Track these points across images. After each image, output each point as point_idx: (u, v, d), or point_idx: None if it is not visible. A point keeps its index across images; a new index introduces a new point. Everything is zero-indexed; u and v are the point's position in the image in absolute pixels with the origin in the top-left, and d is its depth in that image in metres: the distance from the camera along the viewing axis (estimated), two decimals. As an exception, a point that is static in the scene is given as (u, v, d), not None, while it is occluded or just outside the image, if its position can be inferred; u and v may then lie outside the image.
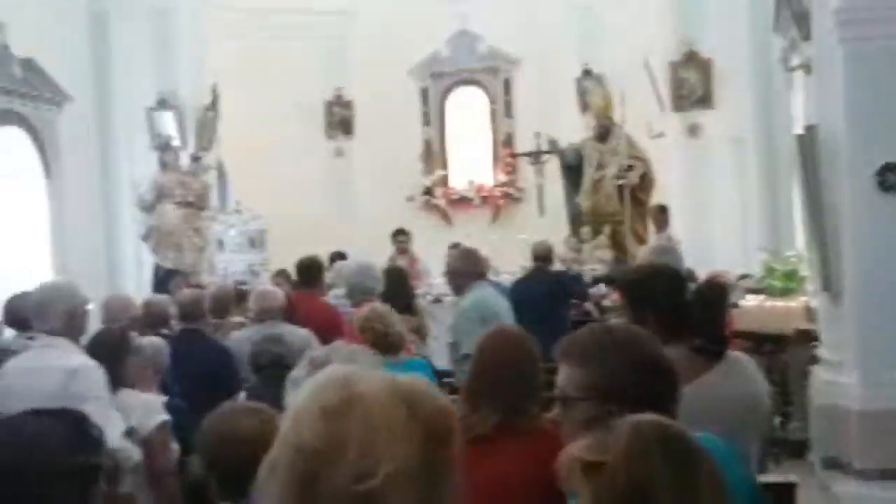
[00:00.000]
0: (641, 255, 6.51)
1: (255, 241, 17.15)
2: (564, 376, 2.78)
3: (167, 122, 15.78)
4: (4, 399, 4.79)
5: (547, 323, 8.92)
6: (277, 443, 1.62)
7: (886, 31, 7.27)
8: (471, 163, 19.25)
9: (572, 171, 13.80)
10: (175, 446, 5.37)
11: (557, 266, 12.24)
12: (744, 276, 11.31)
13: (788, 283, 10.83)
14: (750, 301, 10.12)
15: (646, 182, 12.88)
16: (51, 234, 13.80)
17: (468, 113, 19.38)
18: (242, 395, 5.61)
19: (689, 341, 3.69)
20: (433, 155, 19.31)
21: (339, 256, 12.10)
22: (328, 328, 7.00)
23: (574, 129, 15.69)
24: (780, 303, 10.30)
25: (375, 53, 18.10)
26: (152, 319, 7.61)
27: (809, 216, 7.96)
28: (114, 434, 4.81)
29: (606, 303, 11.69)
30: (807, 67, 8.97)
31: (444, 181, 19.20)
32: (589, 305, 11.61)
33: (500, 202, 18.80)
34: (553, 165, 15.03)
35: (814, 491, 7.16)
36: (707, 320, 3.76)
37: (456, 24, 18.64)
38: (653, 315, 3.72)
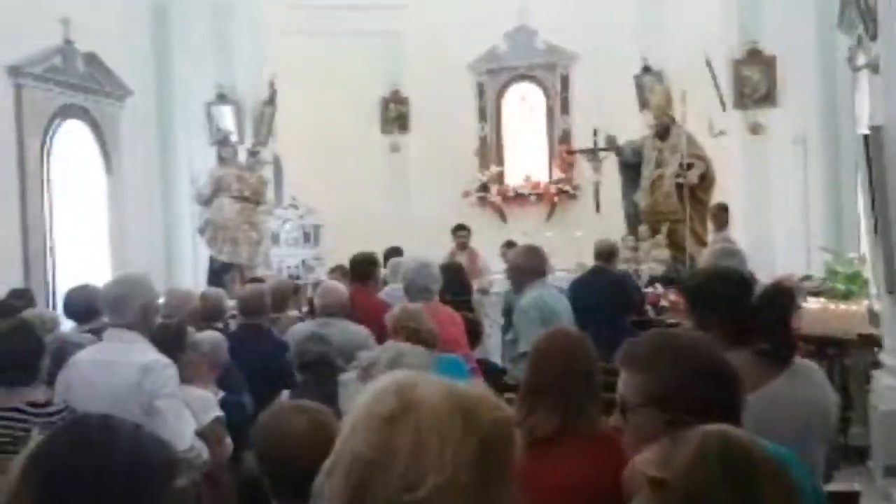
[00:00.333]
0: (703, 257, 6.37)
1: (310, 236, 17.22)
2: (625, 383, 2.73)
3: (225, 117, 15.90)
4: (77, 391, 4.81)
5: (606, 324, 8.83)
6: (335, 448, 1.61)
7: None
8: (526, 159, 19.19)
9: (630, 168, 13.67)
10: (228, 441, 5.37)
11: (621, 266, 12.10)
12: (805, 278, 11.13)
13: (851, 286, 10.61)
14: (811, 304, 9.93)
15: (706, 181, 12.71)
16: (109, 227, 13.97)
17: (525, 109, 19.33)
18: (286, 394, 5.59)
19: (754, 346, 3.60)
20: (489, 151, 19.27)
21: (394, 252, 12.07)
22: (381, 324, 6.96)
23: (632, 127, 15.55)
24: (842, 306, 10.08)
25: (432, 49, 18.08)
26: (208, 313, 7.63)
27: (873, 218, 7.79)
28: (188, 431, 4.83)
29: (664, 303, 11.57)
30: (873, 66, 8.79)
31: (499, 177, 19.16)
32: (646, 306, 11.49)
33: (556, 199, 18.72)
34: (610, 163, 14.92)
35: (874, 499, 7.01)
36: (774, 325, 3.67)
37: (513, 19, 18.59)
38: (717, 319, 3.64)
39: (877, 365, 8.20)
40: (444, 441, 1.53)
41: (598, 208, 15.00)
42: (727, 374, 2.70)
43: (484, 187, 19.07)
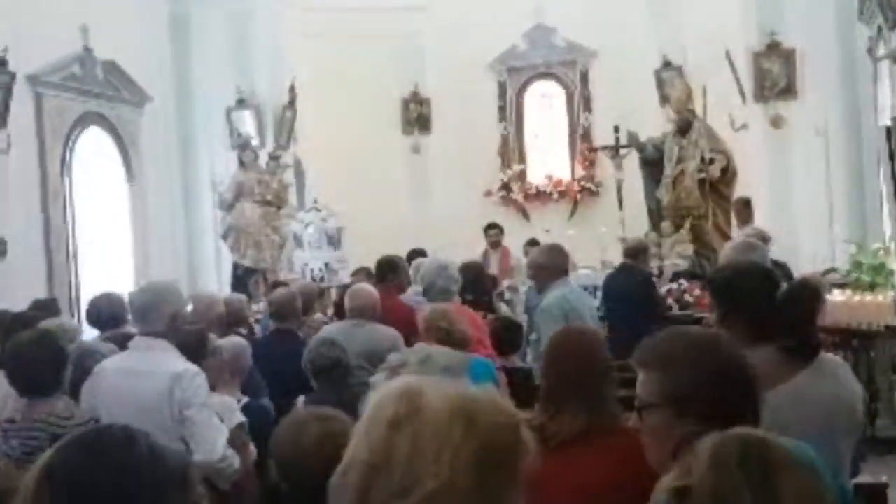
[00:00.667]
0: (724, 251, 6.31)
1: (333, 239, 17.21)
2: (641, 382, 2.72)
3: (246, 121, 15.94)
4: (104, 401, 4.78)
5: (631, 321, 8.82)
6: (347, 452, 1.62)
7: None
8: (548, 157, 19.16)
9: (652, 164, 13.58)
10: (252, 448, 5.36)
11: (654, 263, 12.06)
12: (829, 271, 11.05)
13: (876, 278, 10.54)
14: (836, 296, 9.86)
15: (728, 175, 12.62)
16: (132, 234, 14.04)
17: (545, 107, 19.29)
18: (301, 400, 5.57)
19: (778, 342, 3.57)
20: (510, 150, 19.24)
21: (417, 254, 12.05)
22: (404, 326, 6.94)
23: (653, 122, 15.48)
24: (867, 297, 10.00)
25: (451, 49, 18.07)
26: (230, 319, 7.64)
27: (897, 208, 7.72)
28: (220, 441, 4.81)
29: (688, 298, 11.51)
30: (894, 57, 8.72)
31: (521, 176, 19.13)
32: (669, 301, 11.44)
33: (578, 197, 18.67)
34: (632, 159, 14.85)
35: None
36: (798, 322, 3.63)
37: (532, 17, 18.55)
38: (741, 315, 3.61)
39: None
40: (442, 446, 1.52)
41: (620, 205, 14.93)
42: (744, 374, 2.68)
43: (506, 186, 19.03)
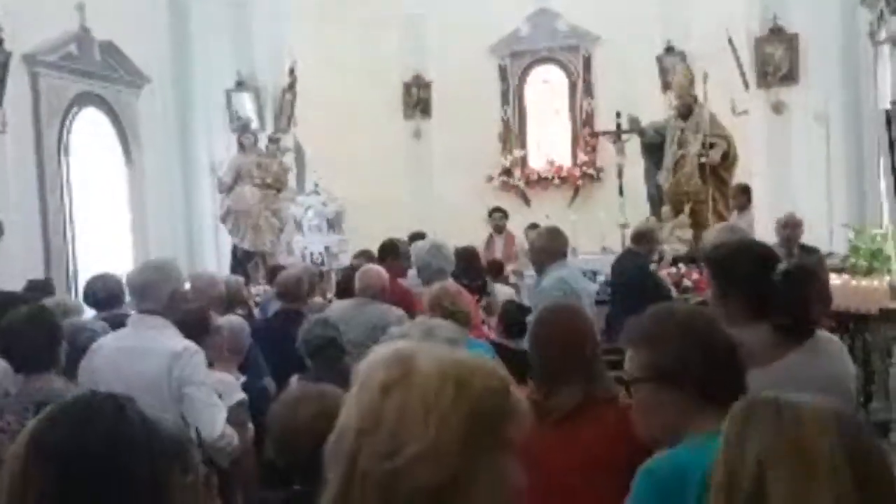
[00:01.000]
0: (707, 235, 6.38)
1: (333, 223, 17.18)
2: (629, 359, 2.79)
3: (245, 104, 15.88)
4: (103, 379, 4.73)
5: (631, 305, 8.80)
6: (339, 419, 1.62)
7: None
8: (550, 142, 19.13)
9: (653, 149, 13.57)
10: (250, 427, 5.35)
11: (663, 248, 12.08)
12: (827, 255, 11.04)
13: (874, 262, 10.57)
14: (833, 279, 9.87)
15: (728, 160, 12.61)
16: (130, 215, 13.99)
17: (547, 92, 19.25)
18: (295, 379, 5.56)
19: (773, 320, 3.56)
20: (512, 135, 19.22)
21: (417, 237, 12.03)
22: (402, 309, 6.95)
23: (655, 108, 15.46)
24: (864, 281, 10.06)
25: (453, 33, 18.05)
26: (227, 300, 7.65)
27: (895, 193, 7.70)
28: (219, 419, 4.80)
29: (687, 283, 11.50)
30: (894, 41, 8.69)
31: (522, 161, 19.11)
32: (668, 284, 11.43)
33: (579, 182, 18.65)
34: (633, 145, 14.83)
35: (897, 473, 6.93)
36: (793, 302, 3.63)
37: (535, 2, 18.51)
38: (737, 292, 3.61)
39: (899, 339, 8.16)
40: (429, 410, 1.52)
41: (621, 191, 14.91)
42: (729, 350, 2.74)
43: (507, 171, 19.03)
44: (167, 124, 14.96)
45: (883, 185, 10.30)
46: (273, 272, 10.48)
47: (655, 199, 13.62)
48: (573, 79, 18.94)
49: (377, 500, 1.50)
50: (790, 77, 14.11)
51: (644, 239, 10.50)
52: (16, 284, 8.54)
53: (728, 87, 13.88)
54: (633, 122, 13.65)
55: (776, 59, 14.13)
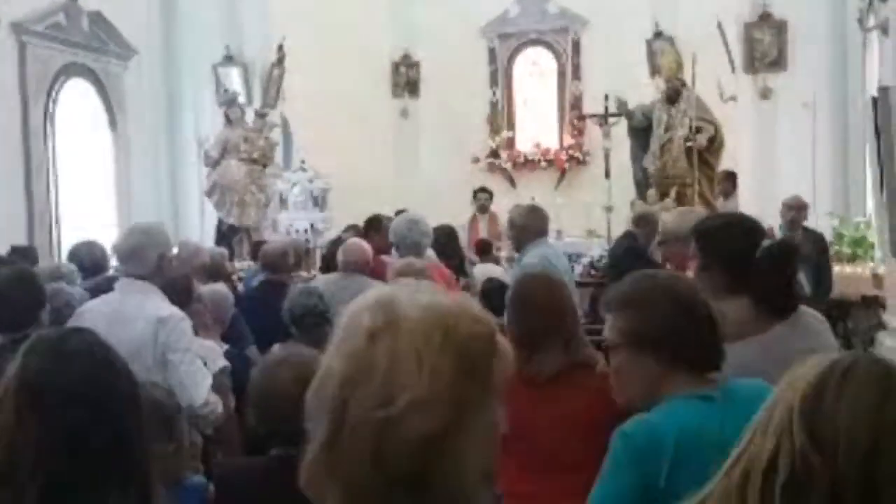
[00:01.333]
0: (666, 218, 6.44)
1: (319, 200, 17.15)
2: (608, 324, 2.82)
3: (233, 78, 15.83)
4: None
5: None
6: (321, 366, 1.59)
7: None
8: (537, 125, 19.11)
9: (640, 132, 13.53)
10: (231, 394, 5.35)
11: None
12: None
13: (857, 249, 10.65)
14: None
15: (715, 145, 12.57)
16: (116, 187, 13.98)
17: (536, 74, 19.23)
18: (276, 347, 5.57)
19: (754, 294, 3.59)
20: (499, 116, 19.21)
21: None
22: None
23: (643, 92, 15.41)
24: (847, 268, 10.15)
25: (443, 13, 18.01)
26: (209, 271, 7.65)
27: (880, 181, 7.73)
28: (203, 386, 4.79)
29: (670, 267, 11.50)
30: (883, 28, 8.71)
31: (509, 143, 19.10)
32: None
33: (566, 165, 18.65)
34: (620, 128, 14.82)
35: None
36: (772, 280, 3.65)
37: (525, -17, 18.49)
38: (719, 265, 3.62)
39: (881, 326, 8.22)
40: (420, 357, 1.50)
41: (607, 174, 14.90)
42: (704, 319, 2.75)
43: (494, 153, 19.02)
44: (154, 97, 14.92)
45: (868, 173, 10.34)
46: (257, 247, 10.49)
47: (642, 183, 13.58)
48: (562, 61, 18.91)
49: (369, 449, 1.48)
50: (778, 63, 14.15)
51: (644, 221, 10.50)
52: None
53: (716, 72, 13.88)
54: (621, 104, 13.61)
55: (764, 45, 14.17)
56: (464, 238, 11.72)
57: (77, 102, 13.33)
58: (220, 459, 4.65)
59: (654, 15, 17.05)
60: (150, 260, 4.88)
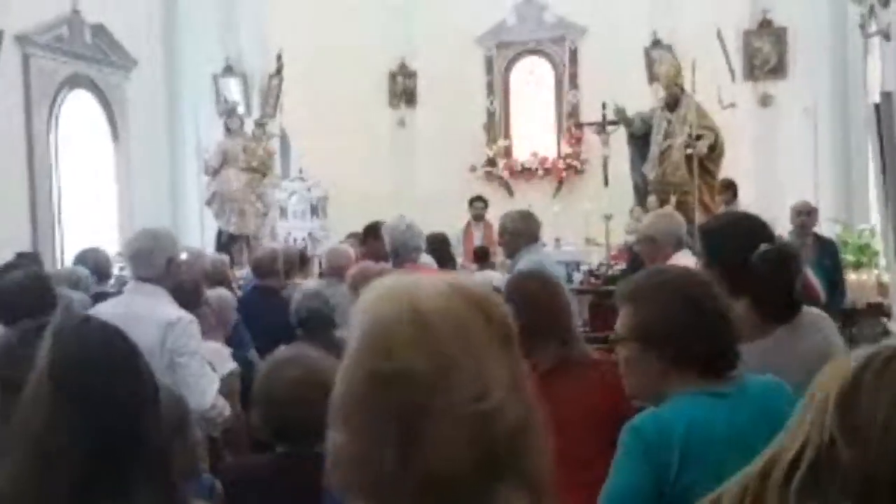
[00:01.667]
0: (645, 220, 6.49)
1: (317, 209, 17.19)
2: (619, 317, 2.83)
3: (232, 89, 15.88)
4: None
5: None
6: (350, 372, 1.54)
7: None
8: (534, 134, 19.12)
9: (639, 140, 13.52)
10: (235, 399, 5.36)
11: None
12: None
13: (861, 257, 10.63)
14: (821, 274, 9.94)
15: (715, 152, 12.58)
16: (117, 197, 14.02)
17: (533, 83, 19.24)
18: (282, 348, 5.57)
19: (754, 299, 3.55)
20: (496, 125, 19.21)
21: (400, 223, 12.06)
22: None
23: (642, 101, 15.42)
24: (852, 276, 10.12)
25: (440, 23, 18.02)
26: (211, 277, 7.64)
27: (884, 188, 7.72)
28: (210, 390, 4.80)
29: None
30: (885, 34, 8.74)
31: (507, 152, 19.11)
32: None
33: (563, 174, 18.65)
34: (618, 136, 14.83)
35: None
36: (773, 282, 3.63)
37: (522, -8, 18.51)
38: (720, 265, 3.59)
39: (886, 334, 8.20)
40: (483, 344, 1.51)
41: (606, 182, 14.91)
42: (714, 319, 2.72)
43: (491, 162, 19.02)
44: (155, 108, 14.95)
45: (871, 179, 10.35)
46: (257, 256, 10.50)
47: (641, 190, 13.60)
48: (559, 70, 18.93)
49: (465, 443, 1.47)
50: (778, 70, 14.20)
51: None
52: (3, 260, 8.50)
53: (715, 79, 13.90)
54: (619, 111, 13.61)
55: (764, 53, 14.23)
56: (458, 246, 11.74)
57: (80, 113, 13.38)
58: (228, 459, 4.66)
59: (652, 23, 17.06)
60: (158, 263, 4.89)
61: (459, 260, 11.82)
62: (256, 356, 6.09)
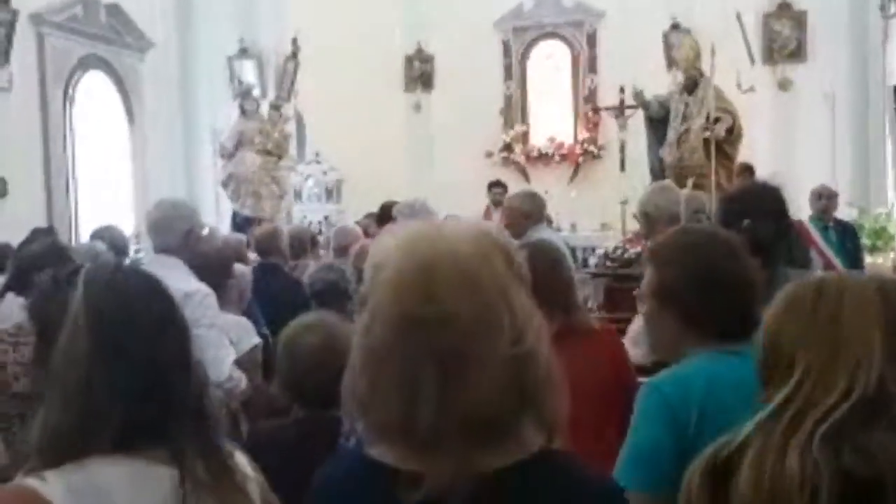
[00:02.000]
0: (642, 195, 6.44)
1: (332, 192, 17.20)
2: (644, 276, 2.84)
3: (247, 71, 15.84)
4: None
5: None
6: (379, 317, 1.55)
7: None
8: (552, 118, 19.03)
9: (657, 123, 13.45)
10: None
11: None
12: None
13: (877, 241, 10.59)
14: (836, 257, 9.90)
15: (733, 136, 12.50)
16: (132, 179, 14.03)
17: (550, 68, 19.14)
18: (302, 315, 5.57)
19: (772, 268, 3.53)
20: (513, 110, 19.14)
21: (417, 206, 12.03)
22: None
23: (660, 85, 15.34)
24: (868, 259, 10.08)
25: (457, 7, 17.95)
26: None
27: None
28: (227, 362, 4.80)
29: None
30: (906, 15, 8.66)
31: (523, 137, 19.03)
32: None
33: (580, 159, 18.58)
34: (636, 120, 14.76)
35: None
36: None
37: (540, -24, 18.42)
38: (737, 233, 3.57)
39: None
40: (510, 287, 1.56)
41: (623, 166, 14.86)
42: (725, 276, 2.69)
43: (508, 147, 18.95)
44: (170, 89, 14.95)
45: (889, 163, 10.29)
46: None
47: (658, 174, 13.52)
48: (577, 55, 18.84)
49: (507, 384, 1.52)
50: (797, 54, 14.10)
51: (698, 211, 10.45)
52: (19, 240, 8.51)
53: (734, 63, 13.82)
54: (638, 94, 13.54)
55: (784, 36, 14.12)
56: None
57: (95, 94, 13.39)
58: (250, 425, 4.67)
59: (670, 7, 16.95)
60: (176, 232, 4.90)
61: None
62: (267, 332, 6.09)
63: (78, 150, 12.91)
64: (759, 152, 13.76)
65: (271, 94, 15.99)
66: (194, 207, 5.34)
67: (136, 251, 10.40)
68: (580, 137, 18.68)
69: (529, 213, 7.29)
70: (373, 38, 17.91)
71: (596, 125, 18.35)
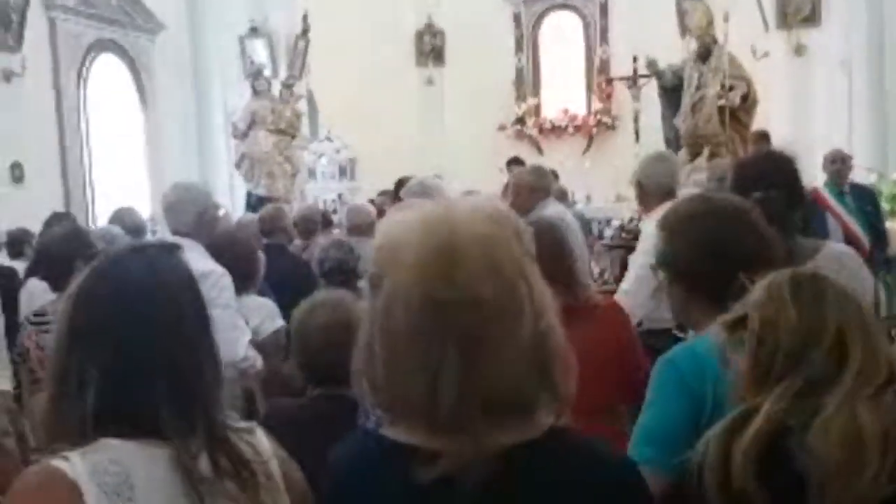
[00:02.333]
0: (637, 164, 6.36)
1: (345, 170, 17.19)
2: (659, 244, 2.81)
3: (259, 50, 15.81)
4: None
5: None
6: (396, 299, 1.54)
7: None
8: (564, 90, 18.94)
9: (671, 92, 13.34)
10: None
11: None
12: (850, 198, 11.00)
13: (894, 205, 10.54)
14: (856, 222, 9.85)
15: (748, 103, 12.39)
16: (147, 160, 14.05)
17: (562, 39, 19.03)
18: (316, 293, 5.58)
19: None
20: (525, 83, 19.06)
21: (434, 181, 12.00)
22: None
23: (673, 55, 15.22)
24: (886, 224, 10.03)
25: (467, -22, 17.86)
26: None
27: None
28: (242, 342, 4.81)
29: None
30: (924, -23, 8.57)
31: (536, 110, 18.96)
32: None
33: (594, 130, 18.50)
34: (650, 90, 14.66)
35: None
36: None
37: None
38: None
39: (920, 282, 8.15)
40: (527, 266, 1.58)
41: (637, 137, 14.78)
42: (731, 248, 2.64)
43: (520, 120, 18.88)
44: (182, 70, 14.95)
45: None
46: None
47: (672, 143, 13.43)
48: (589, 25, 18.72)
49: (527, 359, 1.54)
50: (812, 19, 13.97)
51: (722, 180, 10.39)
52: (36, 225, 8.54)
53: (748, 30, 13.72)
54: (651, 64, 13.42)
55: (798, 1, 13.99)
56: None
57: (108, 77, 13.41)
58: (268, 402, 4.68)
59: (682, -27, 16.80)
60: (189, 215, 4.90)
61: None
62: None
63: (92, 132, 12.94)
64: (775, 119, 13.68)
65: (283, 73, 15.96)
66: (208, 190, 5.35)
67: (153, 233, 10.41)
68: (593, 109, 18.61)
69: (537, 187, 7.21)
70: (383, 14, 17.87)
71: (609, 96, 18.25)
